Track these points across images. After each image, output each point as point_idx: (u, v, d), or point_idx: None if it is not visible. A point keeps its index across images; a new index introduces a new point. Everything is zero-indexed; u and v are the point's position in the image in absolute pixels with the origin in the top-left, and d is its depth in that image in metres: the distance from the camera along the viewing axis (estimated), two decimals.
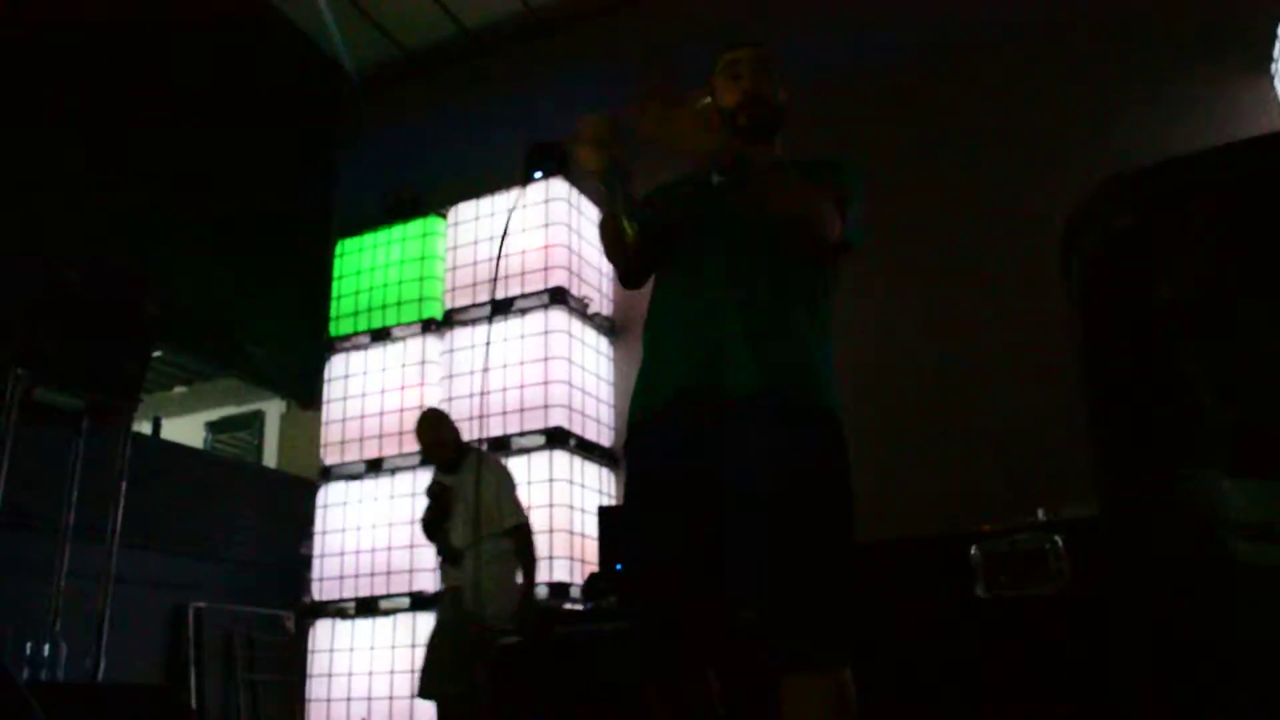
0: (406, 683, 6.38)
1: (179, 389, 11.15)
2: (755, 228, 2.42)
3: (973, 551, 4.20)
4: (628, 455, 2.54)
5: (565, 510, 6.30)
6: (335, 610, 6.85)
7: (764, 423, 2.19)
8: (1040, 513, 4.35)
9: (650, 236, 2.63)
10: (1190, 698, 1.03)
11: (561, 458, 6.43)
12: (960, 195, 6.21)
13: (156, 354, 9.24)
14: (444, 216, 7.39)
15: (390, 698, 6.46)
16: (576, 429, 6.58)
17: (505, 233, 6.74)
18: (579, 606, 5.85)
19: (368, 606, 6.73)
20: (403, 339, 7.23)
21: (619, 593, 2.43)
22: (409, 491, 6.84)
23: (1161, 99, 5.82)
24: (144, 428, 8.43)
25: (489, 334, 6.78)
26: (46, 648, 4.56)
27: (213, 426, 10.79)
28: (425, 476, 6.80)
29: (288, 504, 7.55)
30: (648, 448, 2.44)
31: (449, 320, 7.09)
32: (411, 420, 6.95)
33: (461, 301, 7.06)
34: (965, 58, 6.55)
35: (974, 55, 6.53)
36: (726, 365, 2.29)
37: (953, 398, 5.81)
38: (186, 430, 10.38)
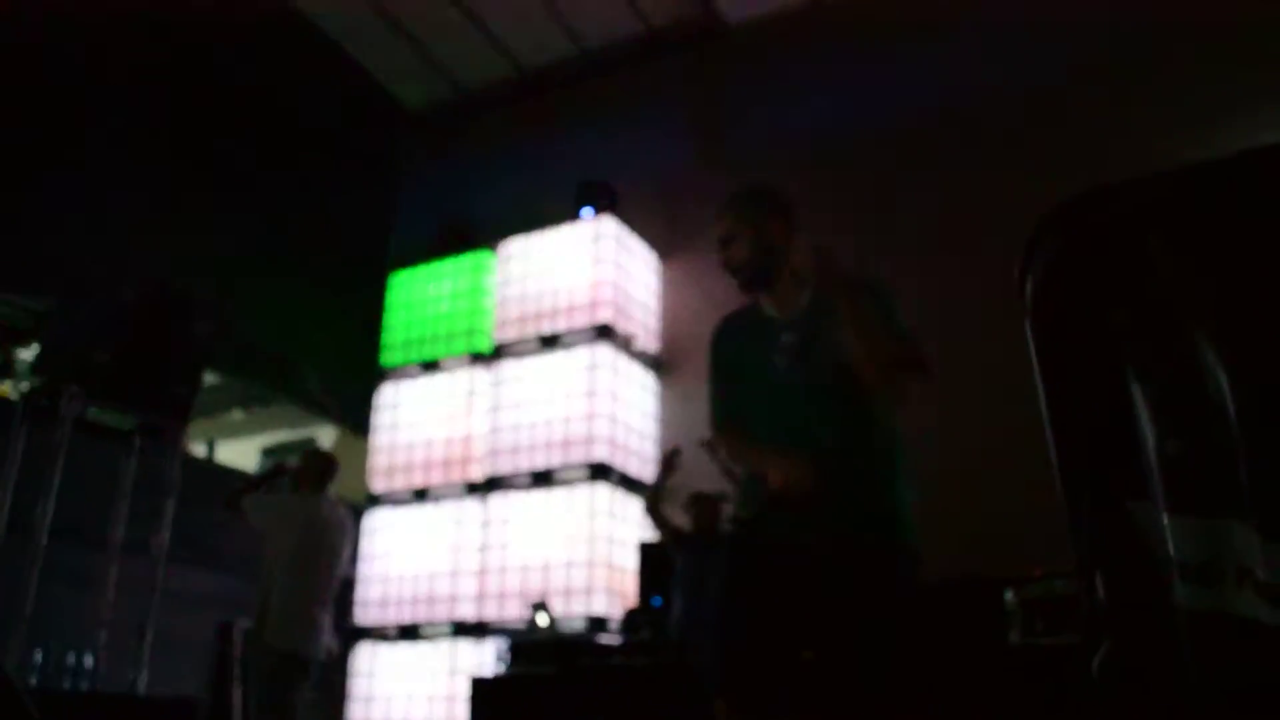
0: (445, 709, 6.45)
1: (236, 413, 11.37)
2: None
3: (1008, 596, 4.12)
4: None
5: (605, 544, 6.36)
6: (378, 634, 6.95)
7: None
8: None
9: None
10: None
11: (603, 492, 6.49)
12: (1003, 235, 6.24)
13: (213, 378, 9.46)
14: (495, 251, 7.52)
15: None
16: (619, 464, 6.65)
17: None
18: (615, 640, 5.88)
19: (409, 632, 6.83)
20: (452, 370, 7.36)
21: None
22: (453, 520, 6.94)
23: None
24: (201, 450, 8.63)
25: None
26: (89, 658, 4.66)
27: (267, 451, 10.98)
28: (471, 506, 6.91)
29: None
30: None
31: (497, 353, 7.21)
32: (459, 449, 7.07)
33: (510, 335, 7.18)
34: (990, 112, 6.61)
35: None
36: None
37: (1003, 439, 5.79)
38: (242, 453, 10.58)
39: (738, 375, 2.90)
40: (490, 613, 6.56)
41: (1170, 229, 1.02)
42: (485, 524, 6.81)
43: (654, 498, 5.46)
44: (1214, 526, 0.91)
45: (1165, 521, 0.94)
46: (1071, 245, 1.11)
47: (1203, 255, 0.99)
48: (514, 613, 6.36)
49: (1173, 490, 0.95)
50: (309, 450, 5.80)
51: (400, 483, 7.25)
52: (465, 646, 6.60)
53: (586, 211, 7.20)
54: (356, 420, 8.41)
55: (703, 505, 5.22)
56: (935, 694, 4.06)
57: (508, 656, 5.39)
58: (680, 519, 5.39)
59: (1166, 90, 6.04)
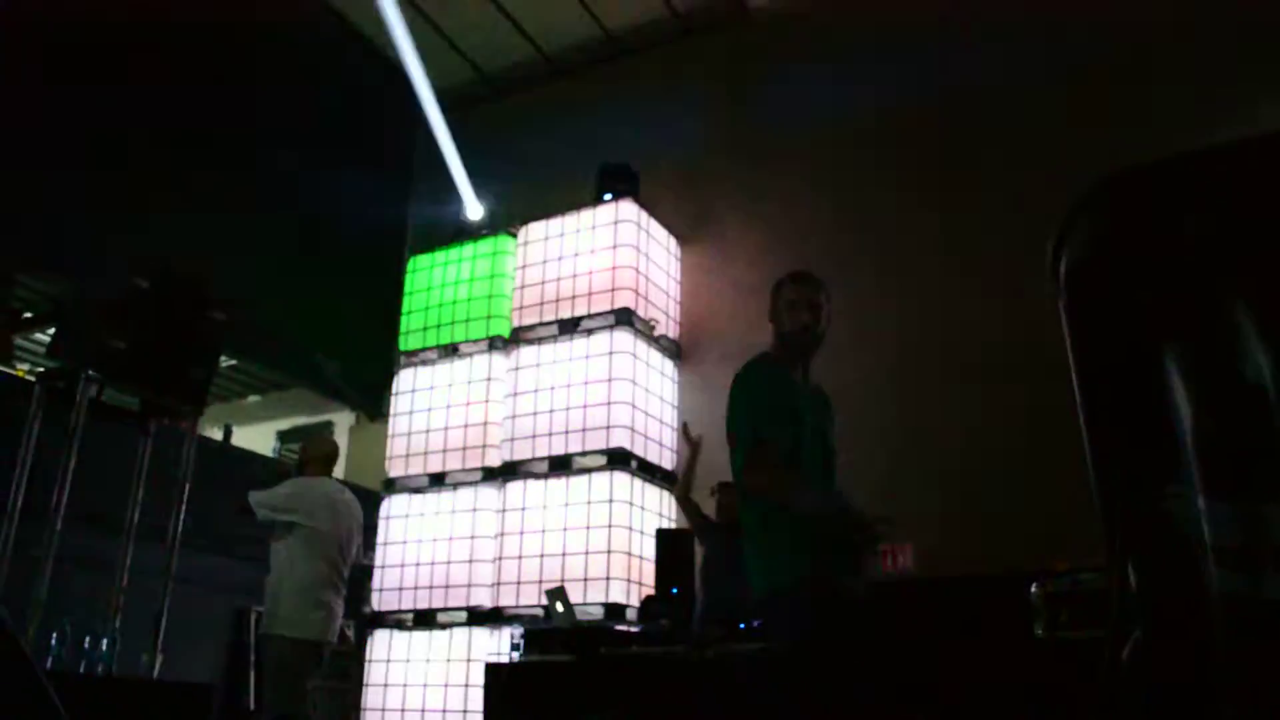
0: (460, 697, 6.42)
1: (252, 398, 11.39)
2: None
3: (1032, 590, 4.08)
4: None
5: (624, 532, 6.30)
6: (394, 621, 6.92)
7: None
8: None
9: None
10: None
11: (622, 479, 6.43)
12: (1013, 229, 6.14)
13: (230, 363, 9.47)
14: (514, 235, 7.47)
15: (444, 710, 6.51)
16: (639, 450, 6.58)
17: None
18: (633, 629, 5.83)
19: (425, 619, 6.79)
20: (470, 355, 7.31)
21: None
22: (470, 506, 6.90)
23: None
24: (218, 434, 8.63)
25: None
26: (104, 642, 4.65)
27: (283, 435, 10.99)
28: (486, 492, 6.87)
29: None
30: None
31: (516, 338, 7.15)
32: (477, 435, 7.03)
33: (528, 320, 7.12)
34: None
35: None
36: None
37: (1037, 431, 5.71)
38: (258, 438, 10.59)
39: (784, 416, 3.16)
40: (507, 600, 6.52)
41: (1207, 207, 0.99)
42: (502, 511, 6.77)
43: (685, 487, 5.46)
44: (1251, 509, 0.88)
45: (1201, 505, 0.92)
46: (1106, 225, 1.07)
47: (1241, 234, 0.95)
48: (531, 600, 6.32)
49: (1209, 473, 0.92)
50: (311, 436, 5.79)
51: (417, 468, 7.21)
52: (481, 634, 6.57)
53: (607, 196, 7.13)
54: (373, 405, 8.40)
55: (728, 494, 5.19)
56: (961, 688, 4.01)
57: (523, 644, 5.35)
58: (708, 507, 5.39)
59: (1167, 90, 5.94)
